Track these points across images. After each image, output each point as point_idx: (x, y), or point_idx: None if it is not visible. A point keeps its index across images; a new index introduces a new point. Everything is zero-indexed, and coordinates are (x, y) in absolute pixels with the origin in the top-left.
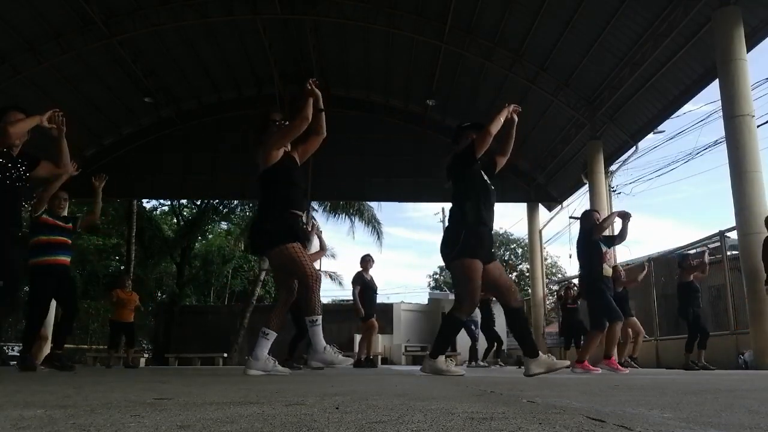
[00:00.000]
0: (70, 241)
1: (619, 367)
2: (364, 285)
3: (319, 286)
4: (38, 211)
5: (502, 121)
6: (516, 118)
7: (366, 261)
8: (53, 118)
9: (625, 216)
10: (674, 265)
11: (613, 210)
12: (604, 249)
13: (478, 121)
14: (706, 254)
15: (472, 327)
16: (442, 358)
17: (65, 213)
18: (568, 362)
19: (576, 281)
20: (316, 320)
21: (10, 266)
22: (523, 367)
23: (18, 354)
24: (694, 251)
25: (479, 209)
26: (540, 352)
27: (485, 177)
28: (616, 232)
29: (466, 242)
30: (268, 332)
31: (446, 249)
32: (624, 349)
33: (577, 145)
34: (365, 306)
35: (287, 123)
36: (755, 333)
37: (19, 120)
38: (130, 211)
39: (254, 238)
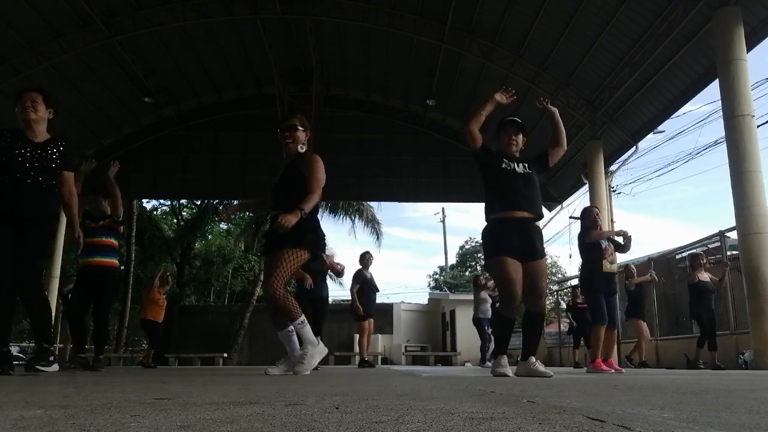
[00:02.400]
0: (109, 240)
1: (604, 367)
2: (363, 283)
3: (289, 298)
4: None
5: (482, 112)
6: (504, 101)
7: (365, 258)
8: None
9: (625, 235)
10: (674, 265)
11: (614, 210)
12: (604, 245)
13: (513, 118)
14: (726, 268)
15: (486, 327)
16: (502, 359)
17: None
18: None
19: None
20: (303, 320)
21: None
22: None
23: (19, 354)
24: (691, 252)
25: (497, 199)
26: (531, 357)
27: (506, 165)
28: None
29: (486, 242)
30: (292, 329)
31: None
32: (639, 350)
33: (577, 145)
34: (363, 305)
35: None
36: (755, 333)
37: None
38: (130, 212)
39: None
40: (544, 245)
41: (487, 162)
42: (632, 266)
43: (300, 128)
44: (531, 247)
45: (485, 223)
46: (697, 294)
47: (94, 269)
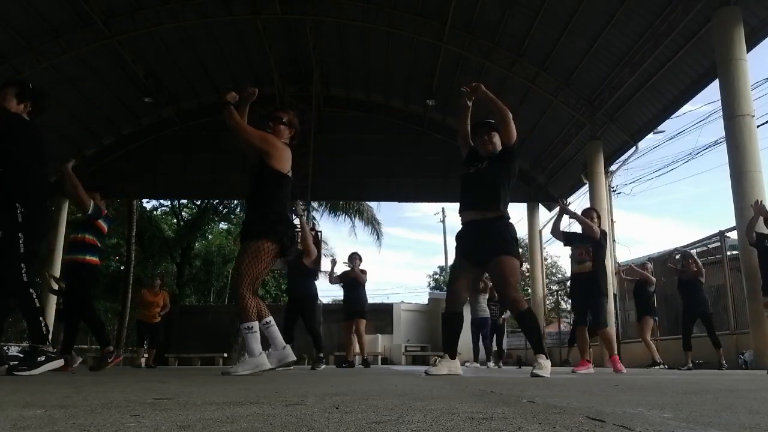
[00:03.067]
0: (85, 237)
1: (585, 365)
2: (344, 284)
3: (249, 299)
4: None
5: (459, 121)
6: (469, 103)
7: (350, 259)
8: None
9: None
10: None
11: (614, 210)
12: (575, 246)
13: (483, 121)
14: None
15: (481, 327)
16: (443, 359)
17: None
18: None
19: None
20: (252, 327)
21: None
22: (519, 367)
23: (19, 354)
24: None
25: (460, 205)
26: (539, 355)
27: (471, 168)
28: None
29: None
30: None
31: None
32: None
33: (577, 145)
34: (345, 305)
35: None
36: (755, 333)
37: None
38: (130, 211)
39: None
40: (508, 242)
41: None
42: (633, 267)
43: (285, 123)
44: (481, 249)
45: None
46: (686, 291)
47: (65, 266)
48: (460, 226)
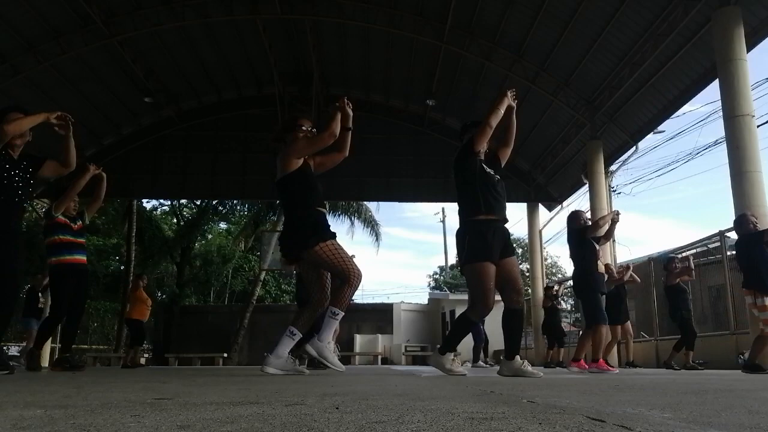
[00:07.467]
0: (84, 241)
1: (609, 367)
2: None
3: (358, 285)
4: (59, 211)
5: (502, 111)
6: (514, 105)
7: None
8: (62, 118)
9: (616, 215)
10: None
11: (612, 209)
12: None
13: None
14: (691, 259)
15: (481, 326)
16: (449, 355)
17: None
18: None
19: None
20: (338, 314)
21: (11, 273)
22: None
23: (18, 354)
24: (681, 255)
25: (478, 200)
26: (517, 357)
27: (488, 169)
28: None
29: (472, 246)
30: (295, 332)
31: (458, 253)
32: (627, 350)
33: (577, 145)
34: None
35: (314, 132)
36: (755, 333)
37: (18, 118)
38: (130, 211)
39: (287, 244)
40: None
41: (477, 164)
42: (611, 266)
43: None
44: (506, 248)
45: (469, 229)
46: (677, 296)
47: (80, 267)
48: (483, 224)
